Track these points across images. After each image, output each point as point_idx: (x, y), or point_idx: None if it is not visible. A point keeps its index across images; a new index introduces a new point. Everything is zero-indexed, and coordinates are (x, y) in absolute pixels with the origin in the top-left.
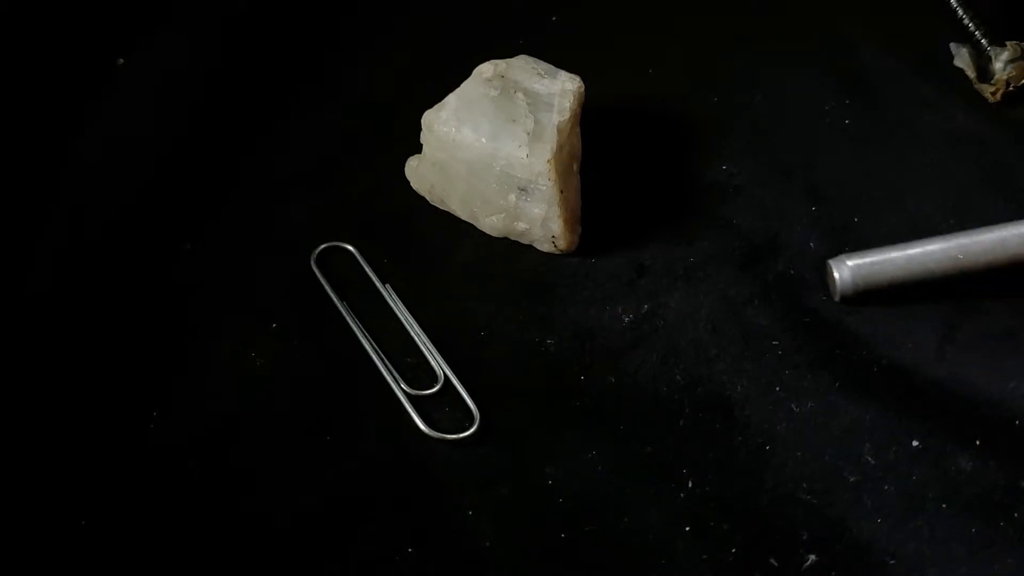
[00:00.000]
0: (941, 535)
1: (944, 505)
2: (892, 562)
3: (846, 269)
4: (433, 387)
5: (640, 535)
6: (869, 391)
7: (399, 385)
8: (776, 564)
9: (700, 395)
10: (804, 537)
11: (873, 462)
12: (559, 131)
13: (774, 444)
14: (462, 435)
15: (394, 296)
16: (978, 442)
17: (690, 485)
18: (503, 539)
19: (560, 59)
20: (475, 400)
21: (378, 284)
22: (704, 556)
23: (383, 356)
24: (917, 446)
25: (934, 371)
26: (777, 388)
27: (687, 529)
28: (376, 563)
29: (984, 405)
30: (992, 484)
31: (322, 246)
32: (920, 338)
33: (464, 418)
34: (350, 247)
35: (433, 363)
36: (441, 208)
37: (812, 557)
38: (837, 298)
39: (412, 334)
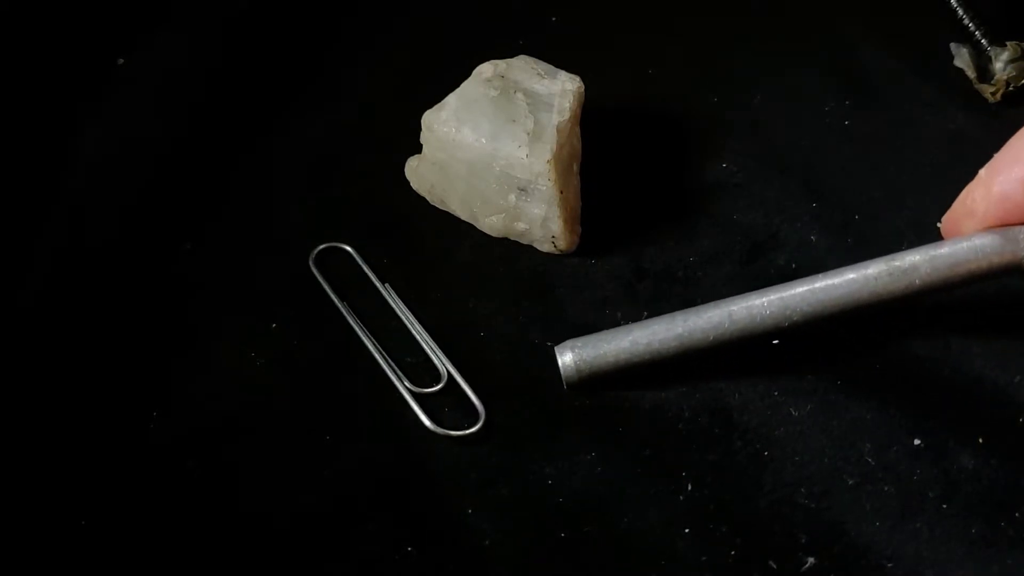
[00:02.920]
0: (941, 536)
1: (944, 505)
2: (890, 564)
3: (568, 355)
4: (436, 386)
5: (640, 536)
6: (871, 389)
7: (402, 383)
8: (775, 566)
9: (699, 399)
10: (803, 540)
11: (873, 463)
12: (559, 131)
13: (773, 448)
14: (467, 431)
15: (394, 295)
16: (980, 440)
17: (689, 488)
18: (503, 539)
19: (560, 59)
20: (477, 398)
21: (377, 284)
22: (703, 558)
23: (385, 355)
24: (918, 445)
25: (938, 366)
26: (776, 392)
27: (686, 531)
28: (376, 563)
29: (987, 401)
30: (993, 482)
31: (320, 247)
32: (924, 333)
33: (468, 416)
34: (348, 247)
35: (436, 361)
36: (441, 208)
37: (811, 560)
38: (565, 386)
39: (414, 332)
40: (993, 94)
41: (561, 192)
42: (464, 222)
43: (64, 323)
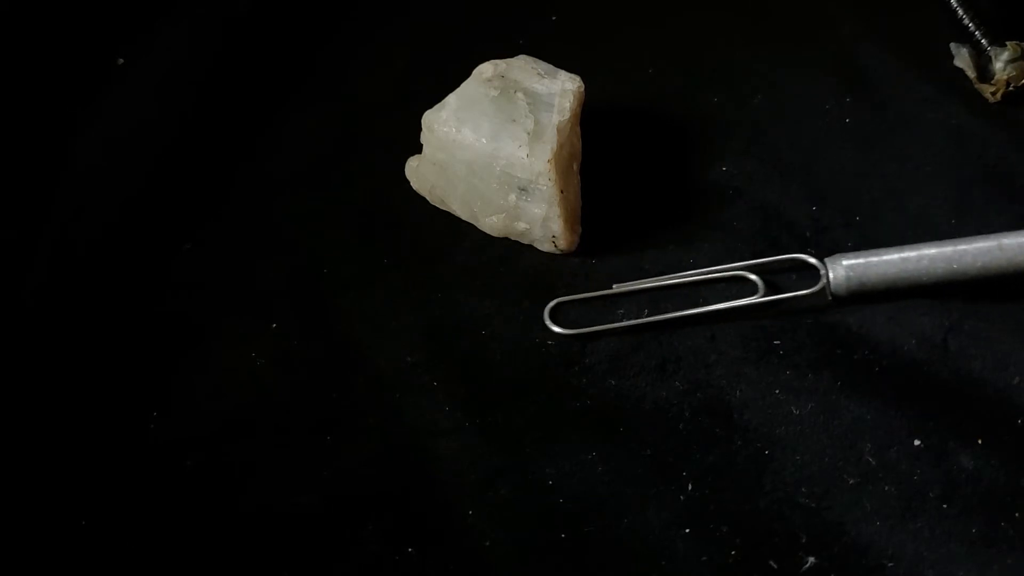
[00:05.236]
0: (941, 536)
1: (945, 505)
2: (890, 564)
3: (840, 268)
4: (756, 295)
5: (640, 536)
6: (871, 390)
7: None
8: (775, 566)
9: (700, 399)
10: (803, 539)
11: (873, 463)
12: (559, 131)
13: (773, 447)
14: (815, 288)
15: (653, 280)
16: (980, 440)
17: (690, 488)
18: (503, 539)
19: (560, 59)
20: (475, 399)
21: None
22: (704, 558)
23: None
24: (919, 445)
25: (937, 368)
26: (777, 391)
27: (687, 531)
28: (376, 563)
29: (987, 401)
30: (993, 483)
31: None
32: (923, 334)
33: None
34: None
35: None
36: (441, 208)
37: (811, 559)
38: (829, 297)
39: (686, 280)
40: (993, 94)
41: (561, 192)
42: (464, 222)
43: (64, 323)
